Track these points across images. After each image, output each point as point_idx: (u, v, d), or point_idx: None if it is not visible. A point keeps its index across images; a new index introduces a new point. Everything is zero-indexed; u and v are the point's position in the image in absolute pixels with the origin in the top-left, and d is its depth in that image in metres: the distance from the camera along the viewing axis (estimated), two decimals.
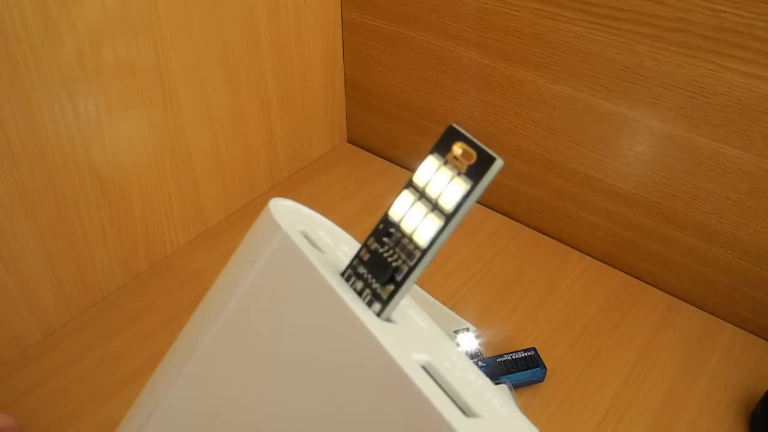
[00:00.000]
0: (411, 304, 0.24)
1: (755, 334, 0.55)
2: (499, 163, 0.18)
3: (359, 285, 0.20)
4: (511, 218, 0.67)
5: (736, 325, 0.56)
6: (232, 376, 0.23)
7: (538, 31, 0.55)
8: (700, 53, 0.48)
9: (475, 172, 0.19)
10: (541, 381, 0.50)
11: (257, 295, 0.22)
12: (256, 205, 0.69)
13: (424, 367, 0.19)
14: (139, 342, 0.53)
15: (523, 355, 0.50)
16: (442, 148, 0.19)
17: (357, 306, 0.19)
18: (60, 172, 0.49)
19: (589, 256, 0.62)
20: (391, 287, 0.19)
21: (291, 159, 0.72)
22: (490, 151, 0.19)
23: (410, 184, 0.20)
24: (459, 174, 0.19)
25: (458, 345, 0.52)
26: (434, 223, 0.19)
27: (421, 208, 0.19)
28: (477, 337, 0.53)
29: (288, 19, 0.63)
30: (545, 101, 0.58)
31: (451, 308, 0.56)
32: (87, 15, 0.46)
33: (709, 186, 0.52)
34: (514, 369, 0.49)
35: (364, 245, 0.20)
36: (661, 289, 0.59)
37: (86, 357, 0.52)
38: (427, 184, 0.19)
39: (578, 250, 0.63)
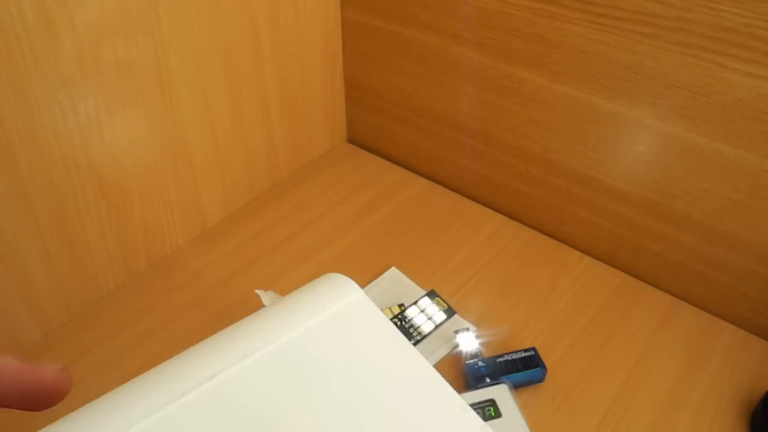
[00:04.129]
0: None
1: (755, 334, 0.55)
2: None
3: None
4: (511, 218, 0.67)
5: (736, 325, 0.56)
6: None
7: (538, 31, 0.55)
8: (701, 53, 0.48)
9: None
10: (541, 381, 0.50)
11: (318, 335, 0.24)
12: (256, 205, 0.69)
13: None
14: (139, 342, 0.53)
15: (523, 355, 0.50)
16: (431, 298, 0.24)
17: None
18: (60, 172, 0.49)
19: (589, 255, 0.62)
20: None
21: (291, 159, 0.72)
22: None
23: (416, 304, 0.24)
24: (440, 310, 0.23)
25: (458, 345, 0.52)
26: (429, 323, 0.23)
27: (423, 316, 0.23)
28: (477, 337, 0.53)
29: (288, 19, 0.63)
30: (545, 101, 0.58)
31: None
32: (86, 15, 0.46)
33: (710, 186, 0.52)
34: (514, 369, 0.49)
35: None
36: (661, 289, 0.59)
37: (86, 357, 0.52)
38: (425, 309, 0.24)
39: (578, 250, 0.63)
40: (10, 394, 0.22)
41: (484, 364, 0.50)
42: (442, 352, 0.53)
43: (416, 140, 0.72)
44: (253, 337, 0.24)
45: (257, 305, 0.49)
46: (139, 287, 0.59)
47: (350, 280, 0.25)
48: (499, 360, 0.50)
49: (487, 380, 0.49)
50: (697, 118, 0.50)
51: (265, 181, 0.70)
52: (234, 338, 0.24)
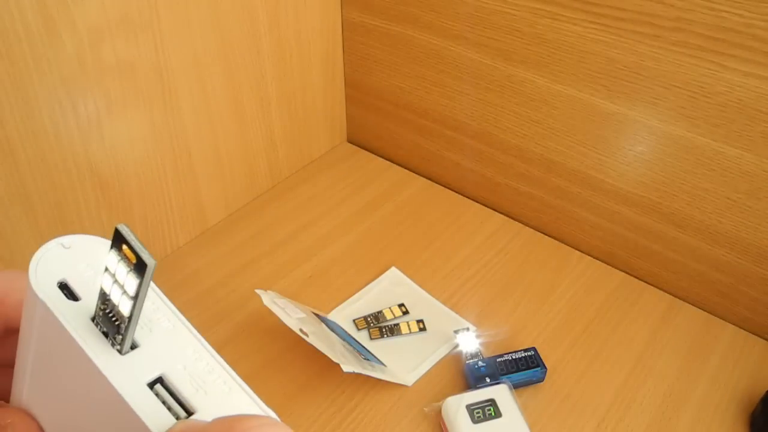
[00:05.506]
0: (162, 308, 0.26)
1: (755, 334, 0.55)
2: (151, 266, 0.21)
3: (105, 328, 0.23)
4: (511, 218, 0.67)
5: (736, 325, 0.56)
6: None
7: (538, 31, 0.55)
8: (701, 53, 0.48)
9: (138, 271, 0.21)
10: (541, 381, 0.50)
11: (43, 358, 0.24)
12: (256, 205, 0.69)
13: (153, 383, 0.22)
14: None
15: (523, 355, 0.50)
16: (117, 246, 0.22)
17: (98, 346, 0.23)
18: (60, 172, 0.49)
19: (589, 256, 0.62)
20: (120, 336, 0.23)
21: (291, 159, 0.72)
22: (144, 255, 0.21)
23: (107, 269, 0.23)
24: (130, 270, 0.22)
25: (458, 345, 0.52)
26: (127, 301, 0.22)
27: (117, 288, 0.22)
28: (477, 337, 0.53)
29: (288, 19, 0.63)
30: (545, 101, 0.58)
31: (451, 308, 0.56)
32: (87, 14, 0.46)
33: (710, 186, 0.52)
34: (514, 369, 0.49)
35: (97, 304, 0.24)
36: (661, 289, 0.59)
37: None
38: (115, 272, 0.22)
39: (578, 250, 0.63)
40: None
41: (484, 364, 0.50)
42: (442, 352, 0.53)
43: (416, 140, 0.72)
44: None
45: (257, 305, 0.49)
46: None
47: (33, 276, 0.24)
48: (499, 360, 0.50)
49: (487, 380, 0.49)
50: (696, 119, 0.50)
51: (265, 181, 0.70)
52: None
